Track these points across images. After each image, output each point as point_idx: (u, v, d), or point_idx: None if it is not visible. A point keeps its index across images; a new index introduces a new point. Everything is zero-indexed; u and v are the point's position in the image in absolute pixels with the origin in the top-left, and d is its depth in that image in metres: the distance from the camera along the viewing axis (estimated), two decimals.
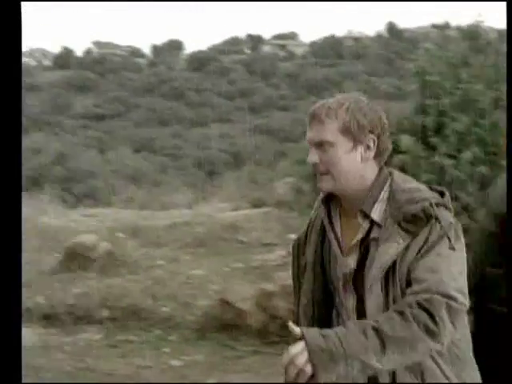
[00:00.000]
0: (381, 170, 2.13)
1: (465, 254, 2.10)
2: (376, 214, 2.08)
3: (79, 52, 47.97)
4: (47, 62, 44.69)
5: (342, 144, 2.06)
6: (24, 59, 43.81)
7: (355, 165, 2.08)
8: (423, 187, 2.14)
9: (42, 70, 42.75)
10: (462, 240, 2.09)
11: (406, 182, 2.13)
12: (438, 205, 2.06)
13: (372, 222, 2.08)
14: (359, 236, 2.09)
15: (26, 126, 29.99)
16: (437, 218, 2.03)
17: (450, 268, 2.01)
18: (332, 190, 2.12)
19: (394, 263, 2.03)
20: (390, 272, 2.04)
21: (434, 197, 2.09)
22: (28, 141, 21.76)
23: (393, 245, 2.03)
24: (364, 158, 2.08)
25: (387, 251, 2.03)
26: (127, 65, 47.07)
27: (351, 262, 2.11)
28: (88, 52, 48.54)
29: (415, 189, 2.10)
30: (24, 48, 45.79)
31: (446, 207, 2.09)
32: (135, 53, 52.19)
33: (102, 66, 45.21)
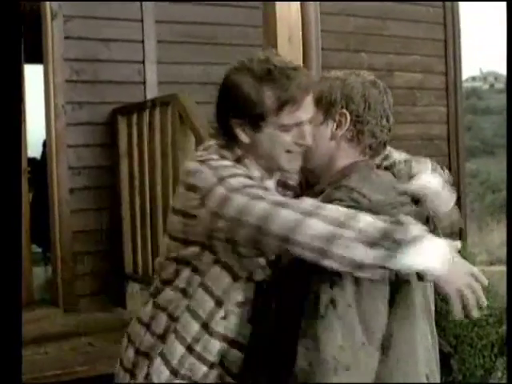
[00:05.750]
0: (356, 163, 1.92)
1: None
2: None
3: None
4: (499, 85, 44.16)
5: (315, 116, 1.91)
6: (477, 83, 44.09)
7: (324, 141, 1.94)
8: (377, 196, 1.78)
9: (494, 93, 42.37)
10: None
11: (361, 182, 1.82)
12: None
13: None
14: None
15: (479, 148, 29.89)
16: None
17: None
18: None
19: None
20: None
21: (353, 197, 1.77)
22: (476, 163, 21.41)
23: None
24: (334, 135, 1.94)
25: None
26: None
27: None
28: None
29: (346, 189, 1.80)
30: (477, 72, 46.10)
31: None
32: None
33: None
